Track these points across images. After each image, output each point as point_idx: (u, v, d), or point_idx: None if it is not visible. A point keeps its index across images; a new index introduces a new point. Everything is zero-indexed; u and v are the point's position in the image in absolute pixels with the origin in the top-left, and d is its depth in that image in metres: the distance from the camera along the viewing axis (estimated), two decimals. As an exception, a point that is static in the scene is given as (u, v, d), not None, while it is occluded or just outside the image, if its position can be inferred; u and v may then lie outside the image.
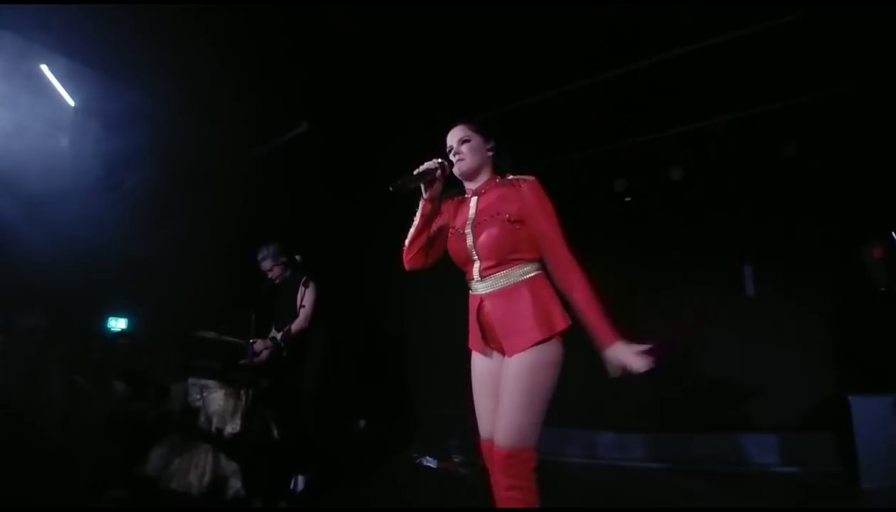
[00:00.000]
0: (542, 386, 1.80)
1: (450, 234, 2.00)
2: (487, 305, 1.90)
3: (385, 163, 4.63)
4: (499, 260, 1.89)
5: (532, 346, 1.78)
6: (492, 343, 1.94)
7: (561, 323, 1.81)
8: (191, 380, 3.52)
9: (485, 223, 1.91)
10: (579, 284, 1.79)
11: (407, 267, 2.03)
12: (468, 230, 1.94)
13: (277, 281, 3.79)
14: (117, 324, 4.16)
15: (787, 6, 3.33)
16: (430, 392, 5.16)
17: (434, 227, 2.01)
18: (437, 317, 5.40)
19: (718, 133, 4.32)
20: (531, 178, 1.92)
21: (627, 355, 1.70)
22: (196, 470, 3.26)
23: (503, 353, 1.87)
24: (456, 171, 1.98)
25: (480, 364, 1.99)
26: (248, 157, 4.29)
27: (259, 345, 3.52)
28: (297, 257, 3.76)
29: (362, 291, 5.19)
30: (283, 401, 3.70)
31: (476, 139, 1.99)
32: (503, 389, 1.82)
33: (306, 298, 3.64)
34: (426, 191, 1.94)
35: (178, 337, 3.73)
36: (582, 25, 3.52)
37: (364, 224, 5.05)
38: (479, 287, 1.92)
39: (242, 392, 3.44)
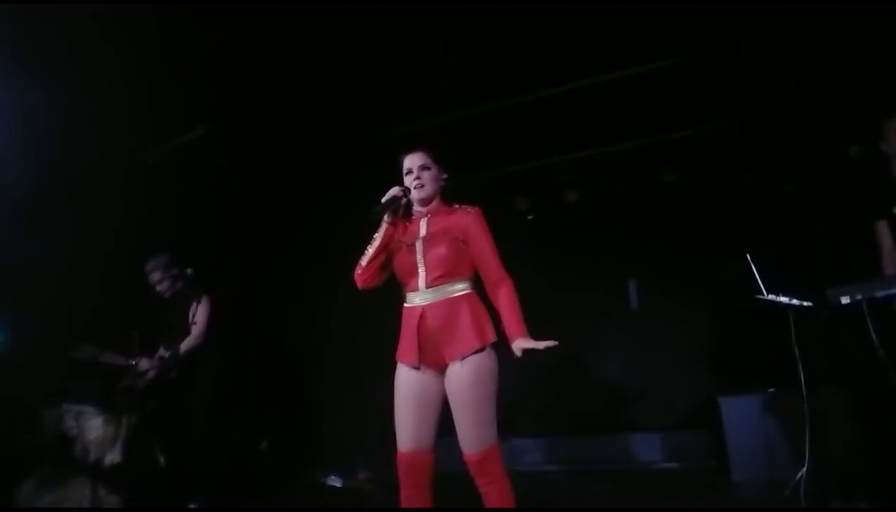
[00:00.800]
0: (490, 391, 2.02)
1: (397, 248, 2.15)
2: (429, 314, 2.06)
3: (288, 172, 4.57)
4: (444, 273, 2.08)
5: (471, 353, 1.99)
6: (426, 355, 2.05)
7: (492, 335, 2.05)
8: (65, 405, 3.19)
9: (434, 241, 2.11)
10: (508, 290, 2.08)
11: (361, 285, 2.16)
12: (418, 245, 2.11)
13: (167, 295, 3.58)
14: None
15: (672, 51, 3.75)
16: (334, 409, 5.04)
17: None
18: (341, 334, 5.34)
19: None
20: (476, 208, 2.17)
21: (530, 342, 1.99)
22: (71, 504, 2.94)
23: (438, 364, 2.05)
24: (414, 195, 2.16)
25: (408, 378, 2.08)
26: (137, 160, 3.98)
27: (144, 364, 3.29)
28: (188, 271, 3.60)
29: (262, 306, 4.99)
30: (172, 425, 3.46)
31: (434, 168, 2.19)
32: (457, 399, 1.99)
33: (199, 313, 3.50)
34: (390, 216, 2.11)
35: (53, 357, 3.36)
36: (491, 57, 3.71)
37: (263, 237, 4.88)
38: (422, 298, 2.08)
39: (124, 418, 3.18)
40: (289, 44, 3.40)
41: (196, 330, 3.48)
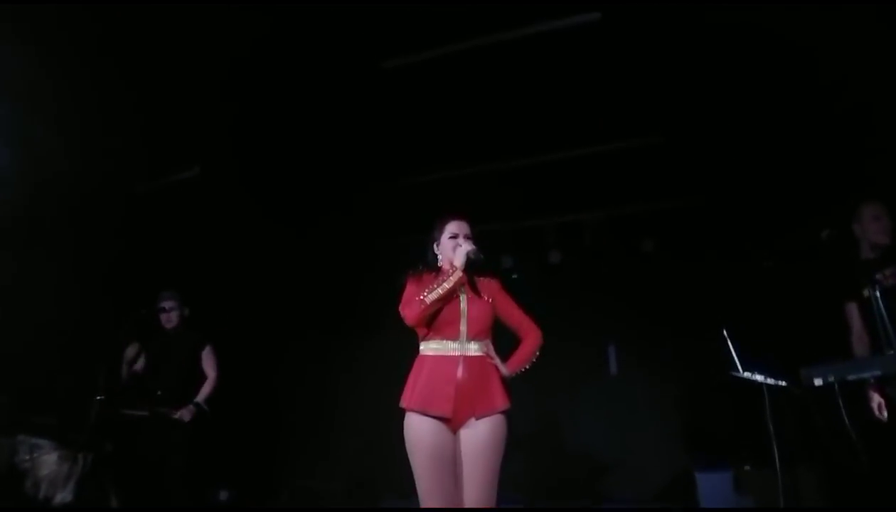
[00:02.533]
0: (501, 456, 2.12)
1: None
2: (467, 366, 2.14)
3: (270, 218, 4.59)
4: (481, 329, 2.22)
5: (500, 412, 2.11)
6: (451, 407, 2.06)
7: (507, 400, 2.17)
8: (20, 437, 3.06)
9: (473, 299, 2.27)
10: (536, 337, 2.35)
11: (413, 321, 2.19)
12: (462, 299, 2.24)
13: (168, 327, 3.61)
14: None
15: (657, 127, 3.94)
16: (298, 463, 4.87)
17: None
18: (308, 385, 5.22)
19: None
20: (496, 279, 2.41)
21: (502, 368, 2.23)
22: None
23: (459, 419, 2.07)
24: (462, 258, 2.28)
25: (430, 432, 2.05)
26: (128, 193, 3.99)
27: (185, 414, 3.33)
28: (187, 311, 3.68)
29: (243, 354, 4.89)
30: (137, 467, 3.33)
31: (471, 240, 2.35)
32: (476, 457, 2.04)
33: (209, 361, 3.57)
34: (466, 269, 2.24)
35: (8, 384, 3.25)
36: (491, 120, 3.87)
37: (245, 281, 4.85)
38: (462, 348, 2.17)
39: (80, 456, 3.05)
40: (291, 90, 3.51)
41: (211, 379, 3.53)
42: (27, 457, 3.00)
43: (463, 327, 2.19)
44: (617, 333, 4.86)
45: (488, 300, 2.30)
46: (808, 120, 3.62)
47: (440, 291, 2.17)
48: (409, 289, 2.28)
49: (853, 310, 2.87)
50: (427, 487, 1.99)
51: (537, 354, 2.34)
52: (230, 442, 3.57)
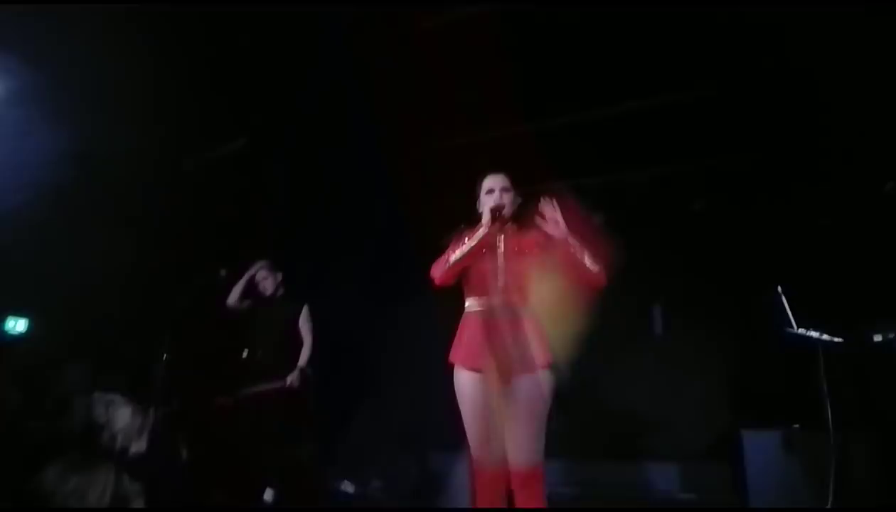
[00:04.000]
0: (547, 409, 2.11)
1: (478, 256, 2.21)
2: (506, 324, 2.11)
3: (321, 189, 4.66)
4: (521, 284, 2.16)
5: (541, 369, 2.08)
6: (496, 362, 2.07)
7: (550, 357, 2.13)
8: (96, 394, 3.31)
9: (512, 256, 2.21)
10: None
11: (440, 282, 2.22)
12: (498, 256, 2.21)
13: (267, 295, 3.81)
14: (17, 325, 3.81)
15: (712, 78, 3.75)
16: (352, 418, 5.08)
17: None
18: (364, 343, 5.39)
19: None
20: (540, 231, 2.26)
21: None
22: (95, 489, 3.05)
23: (503, 373, 2.06)
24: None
25: (473, 385, 2.11)
26: (178, 168, 4.14)
27: (293, 379, 3.55)
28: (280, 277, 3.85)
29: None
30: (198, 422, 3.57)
31: (512, 192, 2.32)
32: (523, 409, 2.05)
33: (306, 325, 3.75)
34: (490, 225, 2.18)
35: (85, 345, 3.50)
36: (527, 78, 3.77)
37: (317, 241, 4.97)
38: (497, 306, 2.14)
39: (151, 410, 3.28)
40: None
41: (308, 344, 3.70)
42: (103, 412, 3.26)
43: (500, 283, 2.17)
44: (663, 293, 4.78)
45: (528, 254, 2.22)
46: (868, 67, 3.37)
47: (465, 249, 2.17)
48: (450, 247, 2.26)
49: (918, 268, 2.74)
50: (472, 436, 2.09)
51: (593, 264, 2.12)
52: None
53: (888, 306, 2.84)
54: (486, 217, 2.18)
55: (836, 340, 2.90)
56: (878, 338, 2.59)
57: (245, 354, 3.78)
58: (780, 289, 2.98)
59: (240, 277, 3.80)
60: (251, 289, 3.81)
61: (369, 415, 4.93)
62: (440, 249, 2.29)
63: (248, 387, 3.60)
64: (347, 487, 4.16)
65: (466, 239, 2.18)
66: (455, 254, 2.18)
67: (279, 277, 3.87)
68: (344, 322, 5.34)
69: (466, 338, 2.17)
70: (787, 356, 3.72)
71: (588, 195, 4.76)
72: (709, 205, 4.52)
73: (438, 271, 2.20)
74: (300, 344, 3.71)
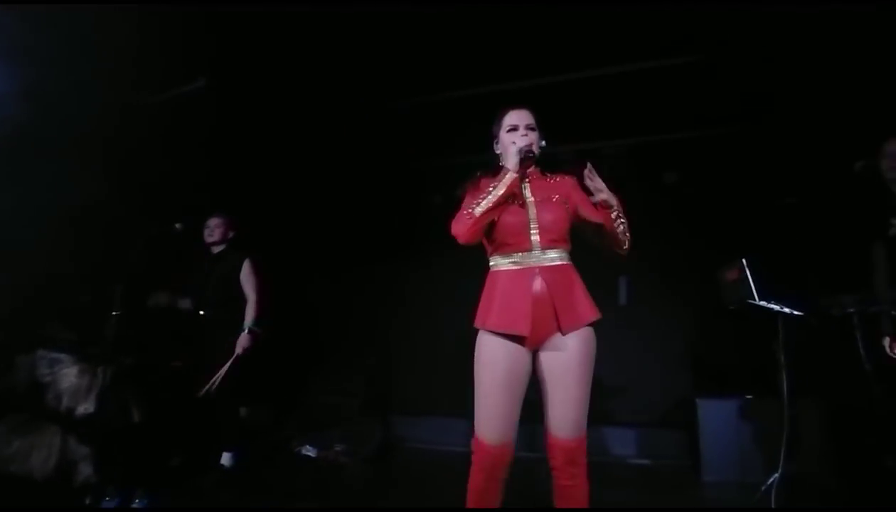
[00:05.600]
0: (592, 374, 1.93)
1: (505, 206, 1.95)
2: (546, 278, 1.90)
3: (282, 134, 4.44)
4: (557, 237, 1.96)
5: (588, 324, 1.90)
6: (535, 323, 1.85)
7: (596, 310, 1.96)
8: (40, 352, 3.10)
9: (545, 204, 1.98)
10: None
11: (466, 239, 1.93)
12: (530, 205, 1.98)
13: (214, 250, 3.68)
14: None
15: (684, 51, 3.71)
16: (313, 378, 5.01)
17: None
18: (323, 304, 5.29)
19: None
20: (572, 175, 2.07)
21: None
22: (40, 453, 2.89)
23: (539, 336, 1.87)
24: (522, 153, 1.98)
25: (507, 352, 1.87)
26: (133, 107, 3.83)
27: (243, 341, 3.46)
28: (232, 234, 3.72)
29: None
30: (150, 382, 3.43)
31: (537, 130, 2.06)
32: (564, 375, 1.85)
33: (250, 281, 3.60)
34: (518, 168, 1.94)
35: (28, 303, 3.26)
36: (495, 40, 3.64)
37: (274, 196, 4.76)
38: (537, 259, 1.92)
39: (100, 369, 3.11)
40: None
41: (252, 302, 3.56)
42: (48, 371, 3.06)
43: (534, 237, 1.93)
44: (630, 264, 4.83)
45: (562, 202, 2.00)
46: (838, 48, 3.40)
47: (491, 199, 1.89)
48: (466, 200, 2.00)
49: (879, 247, 2.83)
50: (489, 408, 1.84)
51: (624, 236, 1.98)
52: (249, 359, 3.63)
53: (846, 282, 2.93)
54: (512, 160, 1.92)
55: (795, 312, 2.98)
56: (836, 312, 2.66)
57: (189, 310, 3.65)
58: (744, 261, 3.03)
59: (197, 230, 3.63)
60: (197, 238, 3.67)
61: (332, 377, 4.86)
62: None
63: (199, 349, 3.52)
64: (309, 450, 4.11)
65: (492, 187, 1.91)
66: (481, 204, 1.89)
67: (229, 227, 3.72)
68: (306, 281, 5.22)
69: (501, 299, 1.90)
70: (745, 328, 3.83)
71: (561, 162, 4.81)
72: (680, 178, 4.56)
73: (463, 227, 1.90)
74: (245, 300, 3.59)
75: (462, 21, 3.48)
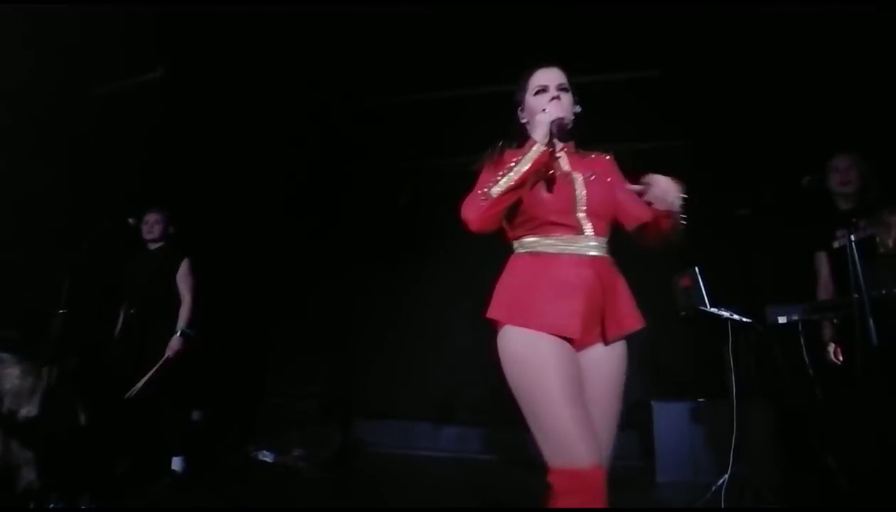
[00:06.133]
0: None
1: (540, 180, 1.58)
2: (601, 272, 1.56)
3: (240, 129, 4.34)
4: (606, 222, 1.63)
5: (630, 333, 1.60)
6: (584, 326, 1.51)
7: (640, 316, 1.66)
8: (-19, 351, 2.94)
9: (591, 180, 1.62)
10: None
11: (481, 226, 1.54)
12: (573, 179, 1.61)
13: (151, 246, 3.54)
14: None
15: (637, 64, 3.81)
16: (270, 380, 4.91)
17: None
18: (282, 302, 5.19)
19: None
20: (609, 155, 1.76)
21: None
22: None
23: (585, 339, 1.54)
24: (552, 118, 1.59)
25: (563, 356, 1.48)
26: (86, 97, 3.68)
27: (174, 344, 3.32)
28: (172, 230, 3.59)
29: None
30: (99, 384, 3.30)
31: (570, 94, 1.70)
32: (605, 390, 1.55)
33: (186, 281, 3.47)
34: (548, 139, 1.55)
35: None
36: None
37: (222, 192, 4.64)
38: (584, 247, 1.57)
39: (44, 370, 2.97)
40: None
41: (187, 302, 3.43)
42: (-12, 370, 2.91)
43: (583, 218, 1.58)
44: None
45: (611, 184, 1.67)
46: (788, 65, 3.58)
47: (513, 177, 1.51)
48: (482, 177, 1.63)
49: (822, 258, 2.99)
50: (565, 425, 1.40)
51: (664, 240, 1.66)
52: (204, 360, 3.53)
53: (793, 291, 3.07)
54: (541, 130, 1.54)
55: (744, 319, 3.10)
56: (782, 320, 2.79)
57: (123, 310, 3.54)
58: (696, 269, 3.14)
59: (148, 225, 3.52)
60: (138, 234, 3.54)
61: (290, 379, 4.77)
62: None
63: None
64: (266, 455, 4.02)
65: (514, 162, 1.53)
66: (500, 183, 1.51)
67: (169, 223, 3.59)
68: (263, 280, 5.11)
69: (547, 290, 1.51)
70: (696, 334, 3.97)
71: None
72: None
73: (476, 211, 1.53)
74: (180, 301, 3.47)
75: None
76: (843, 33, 3.31)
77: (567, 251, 1.57)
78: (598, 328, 1.57)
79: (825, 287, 2.97)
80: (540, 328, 1.49)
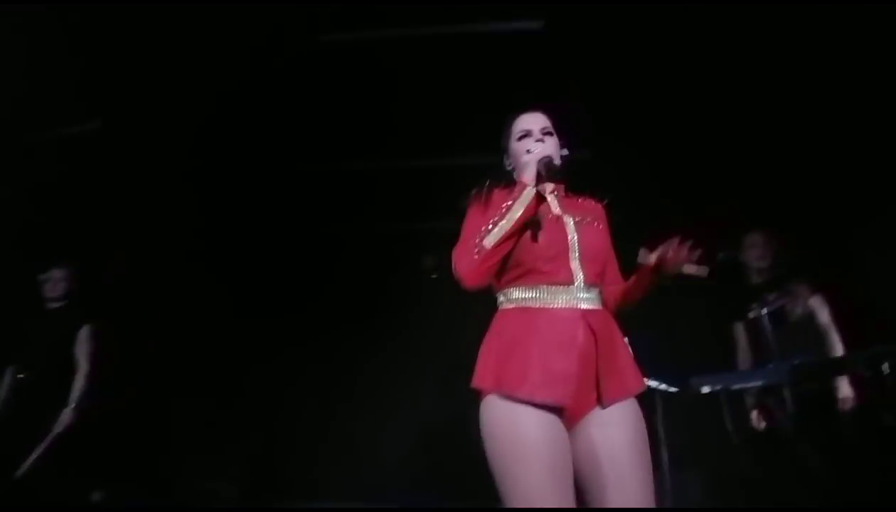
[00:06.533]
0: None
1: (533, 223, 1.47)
2: (593, 326, 1.41)
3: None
4: (599, 270, 1.51)
5: (635, 395, 1.45)
6: (577, 389, 1.36)
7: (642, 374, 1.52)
8: None
9: (584, 224, 1.53)
10: None
11: (475, 281, 1.42)
12: (567, 220, 1.51)
13: (52, 305, 3.23)
14: None
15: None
16: (192, 460, 4.47)
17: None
18: (201, 375, 4.83)
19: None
20: (601, 200, 1.68)
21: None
22: None
23: (578, 407, 1.38)
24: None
25: (550, 429, 1.32)
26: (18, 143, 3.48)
27: (65, 417, 3.02)
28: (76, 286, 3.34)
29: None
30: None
31: (556, 137, 1.63)
32: (621, 462, 1.33)
33: (85, 347, 3.18)
34: (539, 181, 1.45)
35: None
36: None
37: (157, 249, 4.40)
38: (576, 298, 1.43)
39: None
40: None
41: (83, 372, 3.14)
42: None
43: (575, 265, 1.45)
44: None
45: (605, 229, 1.58)
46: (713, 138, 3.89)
47: (506, 226, 1.40)
48: (470, 224, 1.51)
49: (740, 328, 3.20)
50: (542, 505, 1.24)
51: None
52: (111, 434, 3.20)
53: (715, 362, 3.24)
54: (529, 172, 1.45)
55: (671, 389, 3.21)
56: (706, 389, 2.91)
57: (9, 374, 3.18)
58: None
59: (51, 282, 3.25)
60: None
61: (210, 459, 4.39)
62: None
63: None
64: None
65: (505, 206, 1.43)
66: (492, 233, 1.40)
67: (73, 281, 3.31)
68: (182, 348, 4.77)
69: (534, 352, 1.36)
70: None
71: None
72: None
73: (471, 266, 1.41)
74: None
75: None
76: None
77: (557, 304, 1.43)
78: (592, 393, 1.40)
79: (744, 355, 3.16)
80: (528, 396, 1.32)
